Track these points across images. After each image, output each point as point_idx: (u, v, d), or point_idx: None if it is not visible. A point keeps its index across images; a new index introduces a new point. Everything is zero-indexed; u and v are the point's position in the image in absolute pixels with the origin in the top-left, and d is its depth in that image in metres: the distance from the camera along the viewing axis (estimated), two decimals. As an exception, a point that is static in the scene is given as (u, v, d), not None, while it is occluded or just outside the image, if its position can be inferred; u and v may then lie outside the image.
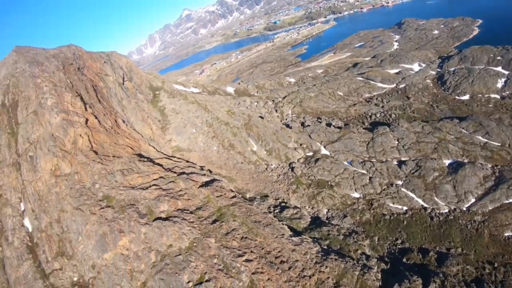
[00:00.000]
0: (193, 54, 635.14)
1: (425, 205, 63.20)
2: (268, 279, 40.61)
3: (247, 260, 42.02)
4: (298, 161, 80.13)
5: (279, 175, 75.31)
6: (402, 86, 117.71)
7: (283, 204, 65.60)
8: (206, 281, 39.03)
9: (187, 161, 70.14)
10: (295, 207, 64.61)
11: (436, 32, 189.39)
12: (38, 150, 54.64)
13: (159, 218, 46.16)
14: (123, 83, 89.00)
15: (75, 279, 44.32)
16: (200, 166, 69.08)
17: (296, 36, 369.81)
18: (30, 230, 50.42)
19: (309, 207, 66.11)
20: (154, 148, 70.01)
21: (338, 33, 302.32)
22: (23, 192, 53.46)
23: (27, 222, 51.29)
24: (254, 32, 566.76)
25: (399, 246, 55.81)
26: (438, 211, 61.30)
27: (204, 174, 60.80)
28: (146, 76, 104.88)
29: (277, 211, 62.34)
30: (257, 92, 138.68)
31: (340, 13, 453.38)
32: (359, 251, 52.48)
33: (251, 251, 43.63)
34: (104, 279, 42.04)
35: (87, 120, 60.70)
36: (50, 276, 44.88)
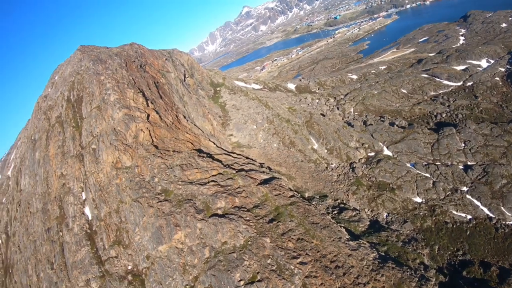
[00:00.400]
0: (253, 51, 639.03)
1: (491, 214, 58.19)
2: (321, 283, 38.86)
3: (301, 263, 40.57)
4: (359, 161, 77.69)
5: (339, 175, 73.41)
6: (469, 83, 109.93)
7: (342, 205, 63.84)
8: (258, 281, 38.06)
9: (247, 158, 69.99)
10: (354, 209, 62.50)
11: (504, 25, 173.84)
12: (100, 143, 56.97)
13: (216, 214, 45.97)
14: (185, 80, 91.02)
15: (129, 267, 45.71)
16: (260, 163, 68.64)
17: (357, 32, 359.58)
18: (90, 218, 52.93)
19: (368, 210, 63.57)
20: (214, 143, 70.50)
21: (400, 28, 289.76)
22: (85, 182, 56.02)
23: (87, 211, 53.86)
24: (314, 27, 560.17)
25: (460, 258, 52.09)
26: (504, 222, 56.03)
27: (263, 172, 59.98)
28: (207, 72, 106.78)
29: (335, 212, 60.84)
30: (318, 89, 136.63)
31: (402, 6, 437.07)
32: (418, 260, 49.53)
33: (306, 254, 42.10)
34: (157, 270, 42.78)
35: (148, 115, 62.31)
36: (106, 263, 46.67)
